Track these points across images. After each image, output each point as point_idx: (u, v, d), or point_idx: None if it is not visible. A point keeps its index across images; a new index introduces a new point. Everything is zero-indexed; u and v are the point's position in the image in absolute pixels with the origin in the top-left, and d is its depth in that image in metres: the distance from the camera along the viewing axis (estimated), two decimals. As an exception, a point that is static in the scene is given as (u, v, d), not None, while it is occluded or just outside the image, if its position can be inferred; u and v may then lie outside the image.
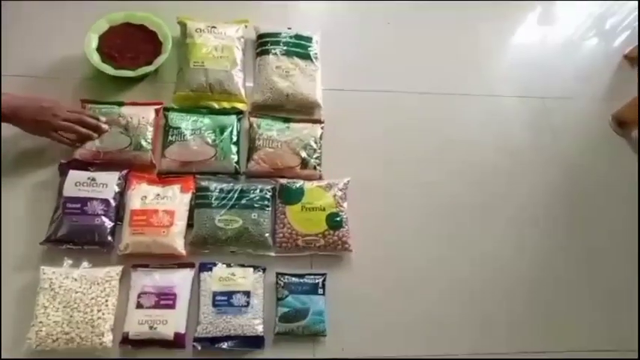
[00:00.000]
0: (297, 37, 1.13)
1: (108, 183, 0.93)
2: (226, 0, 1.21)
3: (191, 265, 0.90)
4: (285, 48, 1.11)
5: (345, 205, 0.97)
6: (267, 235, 0.93)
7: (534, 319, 0.95)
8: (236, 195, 0.95)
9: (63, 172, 0.94)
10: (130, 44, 1.08)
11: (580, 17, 1.38)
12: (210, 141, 0.99)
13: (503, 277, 0.99)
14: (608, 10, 1.41)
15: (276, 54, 1.10)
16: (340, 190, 0.98)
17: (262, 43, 1.12)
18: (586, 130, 1.18)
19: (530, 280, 0.99)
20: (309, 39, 1.14)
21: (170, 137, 0.99)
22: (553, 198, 1.09)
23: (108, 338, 0.82)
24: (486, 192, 1.07)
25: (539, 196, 1.09)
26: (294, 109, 1.08)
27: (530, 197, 1.08)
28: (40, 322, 0.80)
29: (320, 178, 1.01)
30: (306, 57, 1.11)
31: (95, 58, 1.05)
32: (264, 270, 0.91)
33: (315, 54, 1.13)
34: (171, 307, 0.84)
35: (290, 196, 0.96)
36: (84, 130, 0.95)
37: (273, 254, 0.93)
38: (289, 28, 1.14)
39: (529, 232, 1.04)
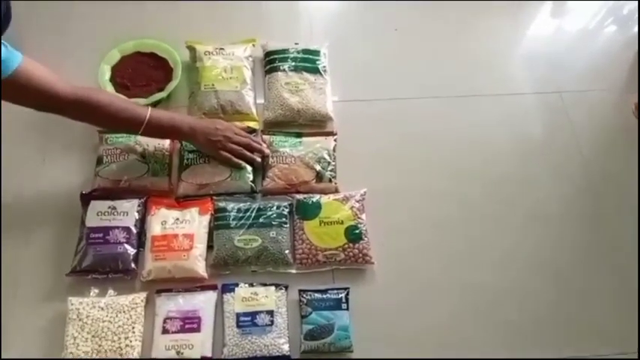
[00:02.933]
0: (305, 51, 1.13)
1: (128, 211, 0.94)
2: (230, 0, 1.24)
3: (213, 287, 0.90)
4: (293, 64, 1.11)
5: (363, 216, 0.96)
6: (286, 252, 0.93)
7: (559, 323, 0.92)
8: (254, 214, 0.95)
9: (84, 203, 0.95)
10: (141, 72, 1.10)
11: (594, 6, 1.34)
12: (225, 162, 1.00)
13: (526, 281, 0.95)
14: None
15: (284, 70, 1.10)
16: (357, 201, 0.97)
17: (270, 61, 1.13)
18: (606, 123, 1.14)
19: (555, 284, 0.95)
20: (316, 52, 1.14)
21: (186, 161, 1.01)
22: (575, 196, 1.05)
23: (137, 365, 0.83)
24: (505, 195, 1.04)
25: (560, 196, 1.04)
26: (306, 123, 1.08)
27: (551, 197, 1.04)
28: (71, 352, 0.82)
29: (336, 190, 1.00)
30: (315, 71, 1.11)
31: (109, 89, 1.07)
32: (286, 288, 0.90)
33: (324, 67, 1.13)
34: (197, 330, 0.85)
35: (307, 211, 0.96)
36: (248, 154, 1.00)
37: (294, 271, 0.93)
38: (296, 44, 1.15)
39: (551, 235, 1.00)
